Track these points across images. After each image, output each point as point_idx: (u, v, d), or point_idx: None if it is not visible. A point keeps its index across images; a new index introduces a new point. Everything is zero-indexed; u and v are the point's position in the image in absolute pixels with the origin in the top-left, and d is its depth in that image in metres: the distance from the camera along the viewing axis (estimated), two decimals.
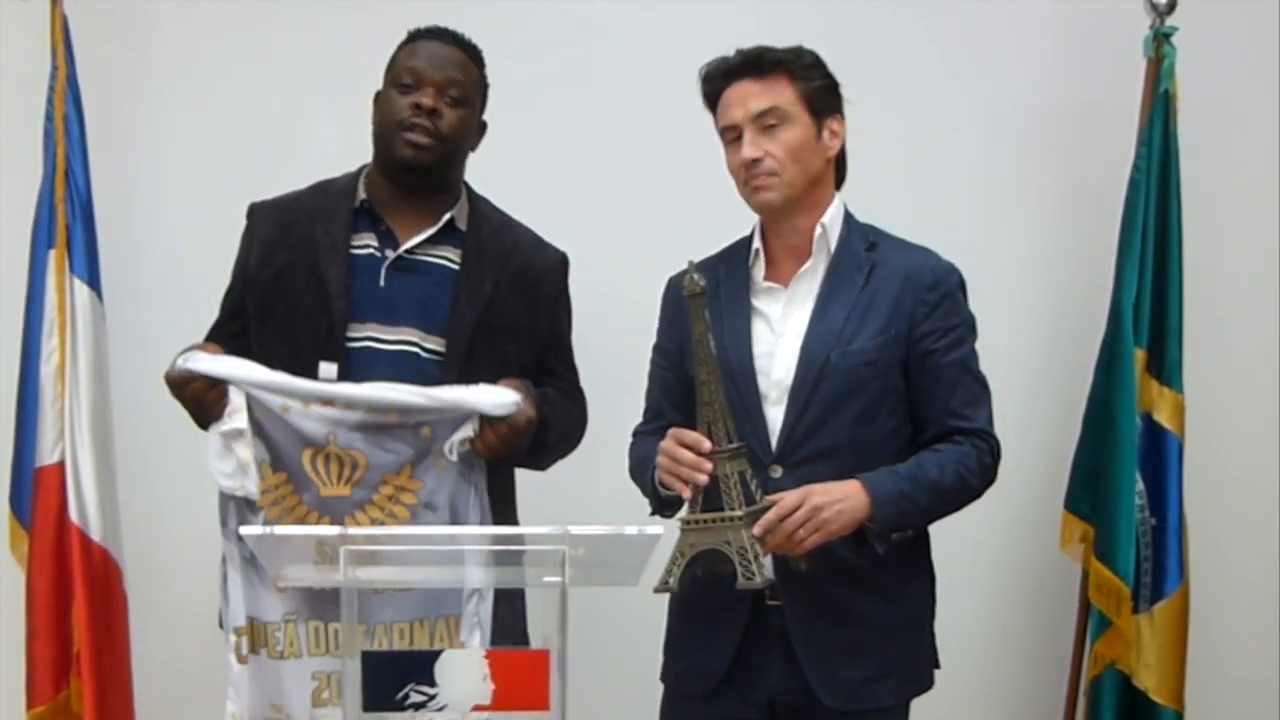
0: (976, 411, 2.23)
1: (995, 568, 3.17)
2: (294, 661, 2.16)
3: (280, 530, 1.89)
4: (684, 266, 2.31)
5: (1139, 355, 2.92)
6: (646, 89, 3.00)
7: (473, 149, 2.35)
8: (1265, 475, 3.14)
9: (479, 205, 2.36)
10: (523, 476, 2.70)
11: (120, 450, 2.91)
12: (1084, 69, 3.13)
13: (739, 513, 2.05)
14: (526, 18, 3.06)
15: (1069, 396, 3.04)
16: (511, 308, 2.29)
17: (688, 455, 2.08)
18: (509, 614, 2.23)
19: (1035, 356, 3.15)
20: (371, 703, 1.71)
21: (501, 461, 2.24)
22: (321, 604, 2.12)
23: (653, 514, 2.25)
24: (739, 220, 2.32)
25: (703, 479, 2.07)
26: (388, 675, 1.71)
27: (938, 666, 2.32)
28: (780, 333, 2.22)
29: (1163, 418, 2.95)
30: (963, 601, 3.07)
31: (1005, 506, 3.07)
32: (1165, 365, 2.94)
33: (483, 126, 2.37)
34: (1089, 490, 2.96)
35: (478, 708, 1.72)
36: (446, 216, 2.29)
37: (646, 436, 2.34)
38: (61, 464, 2.83)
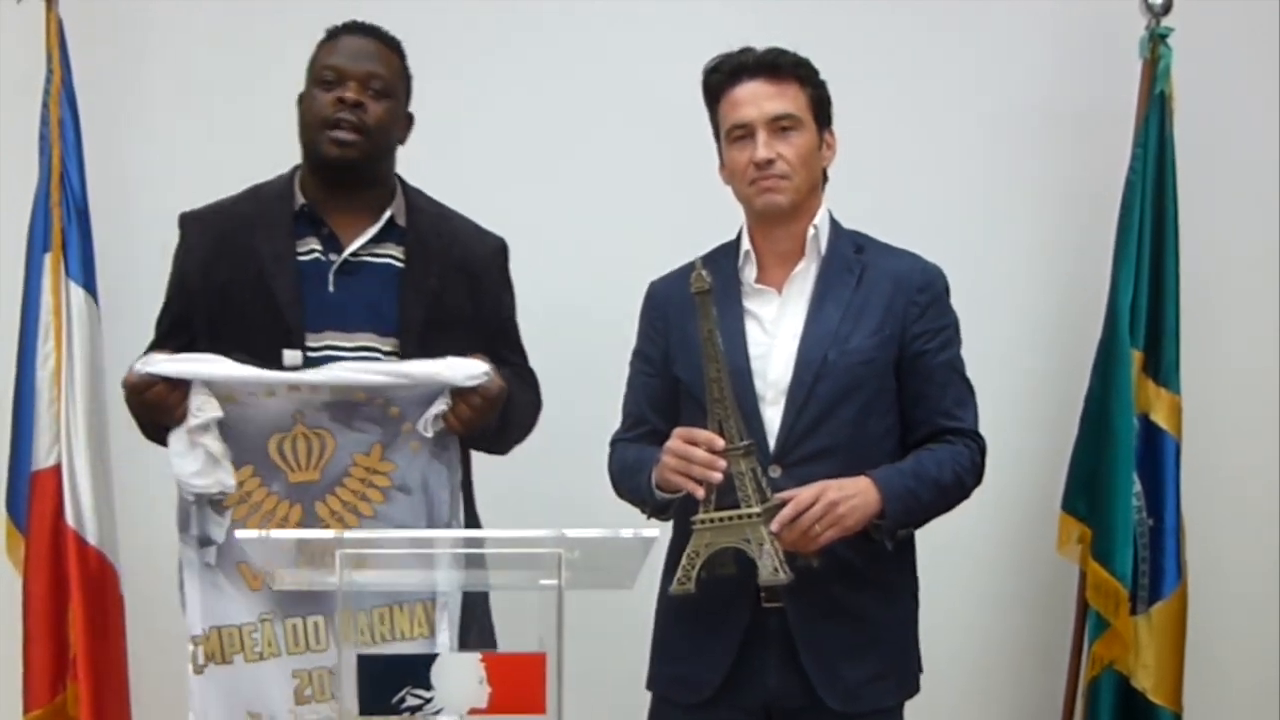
0: (966, 412, 2.25)
1: (993, 569, 3.17)
2: (274, 661, 2.14)
3: (276, 534, 1.88)
4: (668, 270, 2.32)
5: (1136, 356, 2.92)
6: (641, 89, 3.00)
7: (401, 141, 2.32)
8: (1262, 475, 3.14)
9: (414, 198, 2.33)
10: (520, 480, 2.69)
11: (116, 453, 2.89)
12: (1079, 70, 3.12)
13: (757, 509, 2.04)
14: (524, 15, 3.06)
15: (1066, 398, 3.04)
16: (458, 300, 2.27)
17: (701, 454, 2.06)
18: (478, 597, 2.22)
19: (1032, 358, 3.15)
20: (366, 706, 1.70)
21: (467, 441, 2.23)
22: (296, 600, 2.10)
23: (650, 517, 2.24)
24: (720, 222, 2.32)
25: (717, 477, 2.05)
26: (383, 678, 1.71)
27: (921, 670, 2.32)
28: (774, 334, 2.22)
29: (1160, 418, 2.95)
30: (960, 603, 3.09)
31: (1003, 508, 3.08)
32: (1162, 366, 2.95)
33: (409, 119, 2.33)
34: (1086, 491, 2.96)
35: (473, 711, 1.72)
36: (386, 215, 2.26)
37: (628, 444, 2.33)
38: (58, 467, 2.82)
